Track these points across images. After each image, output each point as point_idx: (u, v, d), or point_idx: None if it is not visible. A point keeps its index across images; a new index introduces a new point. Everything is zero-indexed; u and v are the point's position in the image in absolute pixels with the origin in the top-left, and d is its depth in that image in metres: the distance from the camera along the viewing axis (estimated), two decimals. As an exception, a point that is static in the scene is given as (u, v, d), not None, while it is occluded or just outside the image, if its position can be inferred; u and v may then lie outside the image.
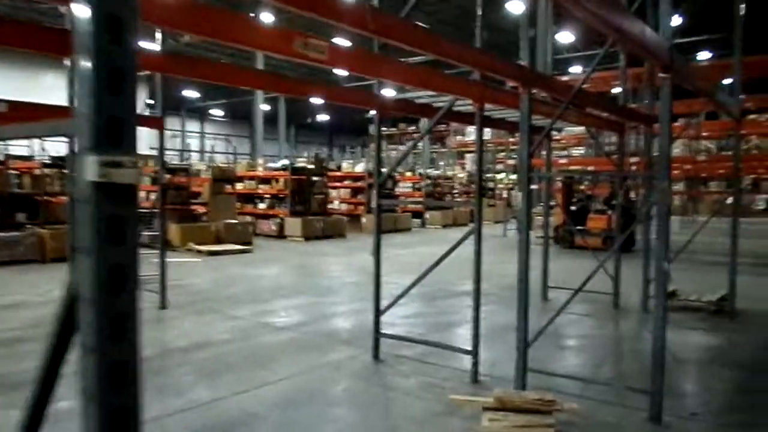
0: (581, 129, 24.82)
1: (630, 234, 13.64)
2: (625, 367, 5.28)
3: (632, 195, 15.15)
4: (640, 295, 7.39)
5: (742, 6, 7.82)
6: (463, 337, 6.11)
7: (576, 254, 12.95)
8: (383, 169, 5.36)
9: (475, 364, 4.63)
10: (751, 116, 23.16)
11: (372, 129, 36.56)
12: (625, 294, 7.61)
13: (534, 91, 5.02)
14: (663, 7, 3.84)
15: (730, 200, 24.35)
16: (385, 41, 3.27)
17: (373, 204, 4.92)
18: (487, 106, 6.23)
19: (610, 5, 2.92)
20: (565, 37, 24.51)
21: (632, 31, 3.21)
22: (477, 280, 4.64)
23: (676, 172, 23.23)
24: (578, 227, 13.92)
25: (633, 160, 15.40)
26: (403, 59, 4.25)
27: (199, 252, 12.78)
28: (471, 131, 31.17)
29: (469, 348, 4.69)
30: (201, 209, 15.16)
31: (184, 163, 21.51)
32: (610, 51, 6.60)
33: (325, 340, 6.01)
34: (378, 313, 5.31)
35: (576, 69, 25.80)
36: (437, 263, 4.90)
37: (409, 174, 23.99)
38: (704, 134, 25.85)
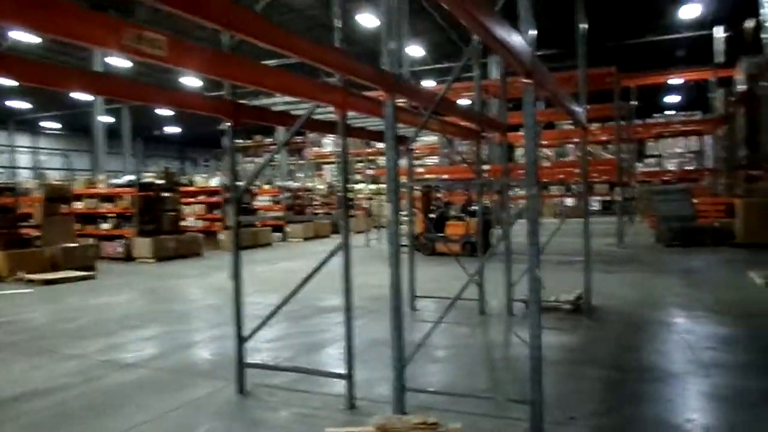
0: (435, 138, 25.70)
1: (487, 238, 14.15)
2: (501, 376, 5.25)
3: (487, 202, 15.75)
4: (504, 299, 7.52)
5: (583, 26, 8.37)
6: (335, 357, 5.78)
7: (438, 261, 13.18)
8: (239, 183, 4.90)
9: (351, 388, 4.32)
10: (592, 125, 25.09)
11: (226, 141, 35.42)
12: (488, 299, 7.72)
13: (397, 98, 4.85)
14: (523, 14, 3.81)
15: (569, 202, 26.14)
16: (238, 35, 2.87)
17: (230, 221, 4.45)
18: (350, 114, 6.03)
19: (481, 4, 2.77)
20: (416, 51, 25.26)
21: (500, 33, 3.10)
22: (348, 299, 4.35)
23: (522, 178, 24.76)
24: (438, 234, 14.20)
25: (486, 167, 16.02)
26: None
27: (31, 281, 11.31)
28: (328, 142, 31.09)
29: (343, 371, 4.38)
30: (33, 233, 13.49)
31: (10, 182, 19.18)
32: (461, 63, 6.68)
33: (183, 374, 5.40)
34: (240, 340, 4.83)
35: (428, 83, 26.66)
36: (306, 280, 4.54)
37: (267, 187, 23.32)
38: (544, 142, 27.91)
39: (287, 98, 4.85)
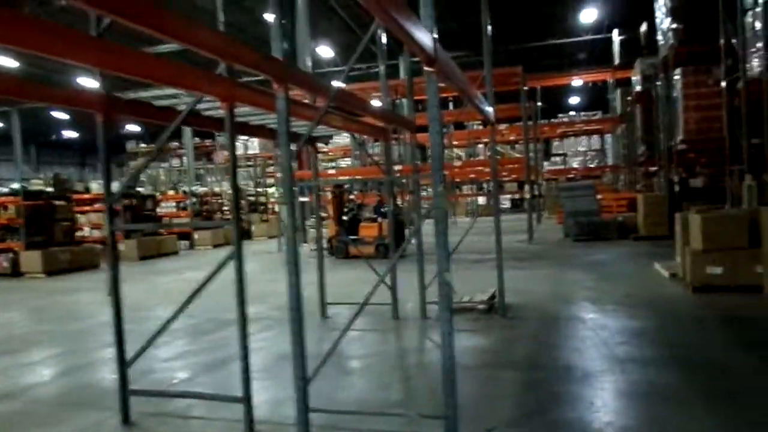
0: (347, 141, 25.38)
1: (401, 240, 13.97)
2: (415, 385, 4.95)
3: (399, 201, 15.59)
4: (417, 302, 7.27)
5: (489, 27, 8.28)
6: (238, 375, 5.30)
7: (352, 264, 12.85)
8: (115, 186, 4.35)
9: (249, 412, 3.87)
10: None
11: (129, 146, 33.50)
12: (402, 302, 7.45)
13: (295, 92, 4.46)
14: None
15: (481, 201, 26.64)
16: (92, 10, 2.39)
17: (104, 230, 3.90)
18: (247, 111, 5.55)
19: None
20: (326, 51, 24.87)
21: (400, 17, 2.79)
22: (242, 312, 3.90)
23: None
24: (351, 237, 13.88)
25: (397, 167, 15.87)
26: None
27: None
28: (239, 145, 30.11)
29: (240, 393, 3.93)
30: None
31: None
32: (370, 67, 6.34)
33: (63, 406, 4.76)
34: (122, 364, 4.27)
35: (339, 84, 26.28)
36: (196, 292, 4.05)
37: (172, 193, 22.17)
38: (455, 143, 28.23)
39: (173, 91, 4.32)
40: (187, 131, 23.30)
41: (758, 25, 9.40)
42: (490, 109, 6.76)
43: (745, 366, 4.73)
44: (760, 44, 9.19)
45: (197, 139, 30.30)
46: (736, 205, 9.91)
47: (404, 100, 15.41)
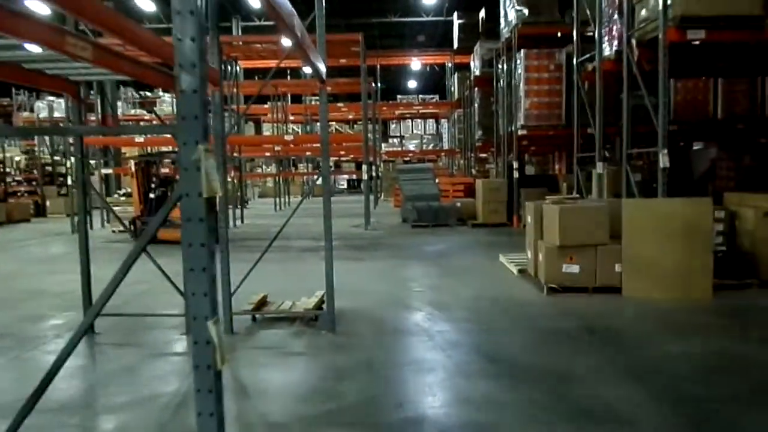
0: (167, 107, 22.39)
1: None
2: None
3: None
4: (222, 309, 5.49)
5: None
6: None
7: (160, 251, 10.61)
8: None
9: None
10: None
11: None
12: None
13: None
14: None
15: (318, 180, 25.10)
16: None
17: None
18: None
19: None
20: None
21: None
22: None
23: (267, 154, 22.96)
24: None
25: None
26: None
27: None
28: (43, 106, 25.53)
29: None
30: None
31: None
32: None
33: None
34: None
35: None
36: None
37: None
38: (291, 118, 26.42)
39: None
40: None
41: (606, 7, 8.79)
42: (322, 67, 5.14)
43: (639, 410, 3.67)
44: (612, 27, 8.55)
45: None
46: (580, 194, 9.35)
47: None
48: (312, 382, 4.21)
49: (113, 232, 14.02)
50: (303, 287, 6.45)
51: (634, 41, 7.23)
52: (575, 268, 6.52)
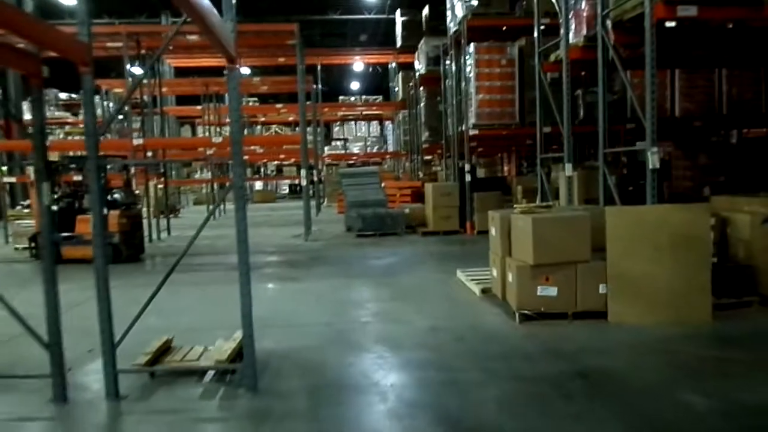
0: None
1: (132, 239, 10.47)
2: None
3: (134, 186, 12.04)
4: (105, 364, 4.10)
5: None
6: None
7: (66, 273, 9.02)
8: None
9: None
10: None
11: None
12: (82, 360, 4.28)
13: None
14: None
15: (257, 186, 23.68)
16: None
17: None
18: None
19: None
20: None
21: None
22: None
23: (199, 158, 21.30)
24: (65, 234, 10.03)
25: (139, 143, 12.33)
26: None
27: None
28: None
29: None
30: None
31: None
32: None
33: None
34: None
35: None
36: None
37: None
38: (227, 120, 24.78)
39: None
40: None
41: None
42: (231, 41, 3.86)
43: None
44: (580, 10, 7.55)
45: None
46: (545, 199, 8.35)
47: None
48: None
49: (16, 249, 12.23)
50: (225, 320, 5.15)
51: (609, 22, 6.23)
52: (552, 291, 5.44)
